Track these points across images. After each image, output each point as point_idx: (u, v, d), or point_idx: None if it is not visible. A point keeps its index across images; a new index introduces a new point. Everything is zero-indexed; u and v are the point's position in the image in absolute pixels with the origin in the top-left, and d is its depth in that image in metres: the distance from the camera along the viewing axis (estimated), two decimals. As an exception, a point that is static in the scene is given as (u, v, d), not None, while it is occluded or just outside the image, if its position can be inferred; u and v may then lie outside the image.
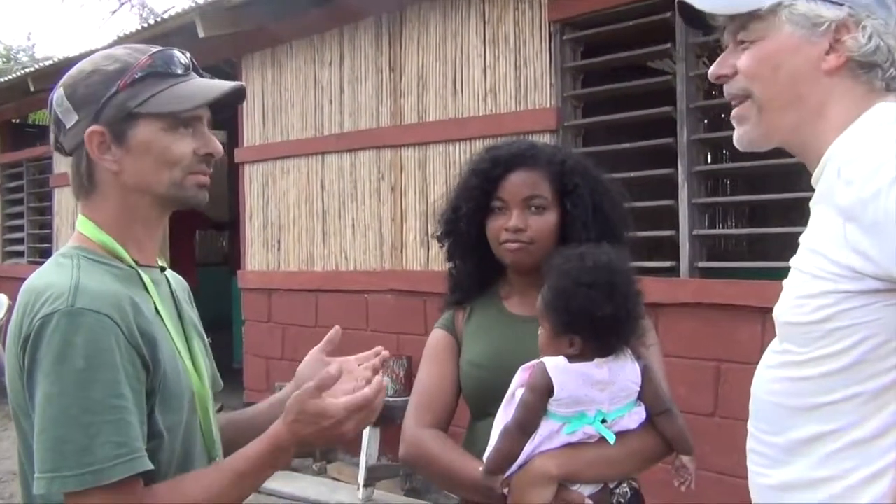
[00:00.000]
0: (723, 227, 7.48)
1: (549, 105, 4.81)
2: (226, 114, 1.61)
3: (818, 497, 1.24)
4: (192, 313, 1.61)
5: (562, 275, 1.62)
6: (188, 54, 1.50)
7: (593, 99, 4.93)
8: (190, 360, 1.48)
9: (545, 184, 1.84)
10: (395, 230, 5.74)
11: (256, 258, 6.85)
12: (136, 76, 1.41)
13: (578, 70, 4.83)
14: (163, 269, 1.56)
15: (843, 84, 1.29)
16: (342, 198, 6.10)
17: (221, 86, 1.47)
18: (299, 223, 6.46)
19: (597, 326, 1.57)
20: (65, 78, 1.45)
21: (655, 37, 4.43)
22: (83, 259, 1.40)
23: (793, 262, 1.30)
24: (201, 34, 5.99)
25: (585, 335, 1.58)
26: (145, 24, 7.66)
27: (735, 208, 7.61)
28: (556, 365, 1.57)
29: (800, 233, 1.32)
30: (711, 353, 4.10)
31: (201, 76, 1.50)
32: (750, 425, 1.37)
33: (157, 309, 1.45)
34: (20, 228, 9.95)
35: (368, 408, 1.39)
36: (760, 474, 1.34)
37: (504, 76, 5.06)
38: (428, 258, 5.49)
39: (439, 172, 5.43)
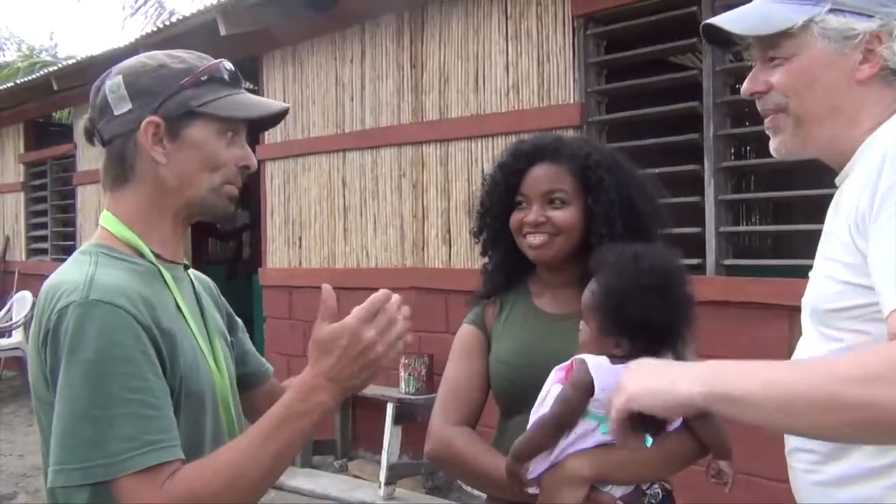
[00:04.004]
0: (746, 224, 7.41)
1: (572, 101, 4.77)
2: (264, 129, 1.65)
3: (881, 485, 1.21)
4: (214, 312, 1.61)
5: (616, 275, 1.54)
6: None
7: (617, 94, 4.88)
8: (212, 358, 1.48)
9: (568, 178, 1.82)
10: (417, 227, 5.72)
11: (277, 255, 6.86)
12: (203, 78, 1.45)
13: (602, 65, 4.78)
14: (186, 268, 1.56)
15: (877, 91, 1.31)
16: (363, 195, 6.09)
17: (274, 103, 1.55)
18: (320, 220, 6.45)
19: (650, 333, 1.51)
20: (122, 67, 1.47)
21: (680, 31, 4.38)
22: (101, 255, 1.41)
23: (822, 250, 1.29)
24: (223, 32, 6.01)
25: (636, 340, 1.51)
26: (166, 23, 7.68)
27: (759, 205, 7.53)
28: (598, 364, 1.51)
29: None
30: (738, 352, 4.03)
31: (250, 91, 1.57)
32: None
33: (178, 305, 1.44)
34: (44, 226, 10.03)
35: (385, 313, 1.41)
36: (809, 471, 1.32)
37: (527, 72, 5.03)
38: (450, 255, 5.47)
39: (461, 169, 5.41)
